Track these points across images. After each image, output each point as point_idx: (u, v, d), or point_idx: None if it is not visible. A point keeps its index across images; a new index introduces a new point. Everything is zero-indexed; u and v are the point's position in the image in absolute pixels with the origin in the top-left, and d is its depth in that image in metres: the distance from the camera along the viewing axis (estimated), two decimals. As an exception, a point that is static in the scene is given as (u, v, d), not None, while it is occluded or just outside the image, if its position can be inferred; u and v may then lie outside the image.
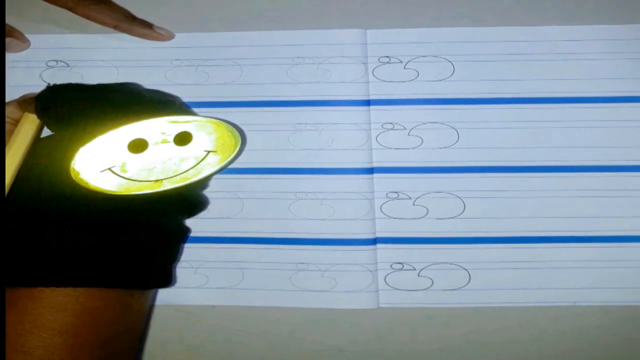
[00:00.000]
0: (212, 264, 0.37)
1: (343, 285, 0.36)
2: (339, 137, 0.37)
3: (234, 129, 0.32)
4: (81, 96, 0.32)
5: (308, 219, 0.37)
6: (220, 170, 0.32)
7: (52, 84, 0.33)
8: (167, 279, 0.33)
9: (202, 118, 0.31)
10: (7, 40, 0.38)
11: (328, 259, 0.36)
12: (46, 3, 0.37)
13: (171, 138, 0.31)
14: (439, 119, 0.38)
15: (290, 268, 0.36)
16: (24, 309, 0.28)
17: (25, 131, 0.32)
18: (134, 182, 0.30)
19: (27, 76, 0.39)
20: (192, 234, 0.37)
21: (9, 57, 0.39)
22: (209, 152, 0.31)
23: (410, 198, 0.37)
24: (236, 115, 0.38)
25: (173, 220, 0.34)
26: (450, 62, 0.38)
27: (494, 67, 0.38)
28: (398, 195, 0.37)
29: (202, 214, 0.37)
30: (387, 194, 0.37)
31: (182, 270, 0.36)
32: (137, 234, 0.30)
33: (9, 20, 0.39)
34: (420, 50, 0.38)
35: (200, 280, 0.36)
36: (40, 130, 0.33)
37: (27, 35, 0.39)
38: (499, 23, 0.39)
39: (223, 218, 0.37)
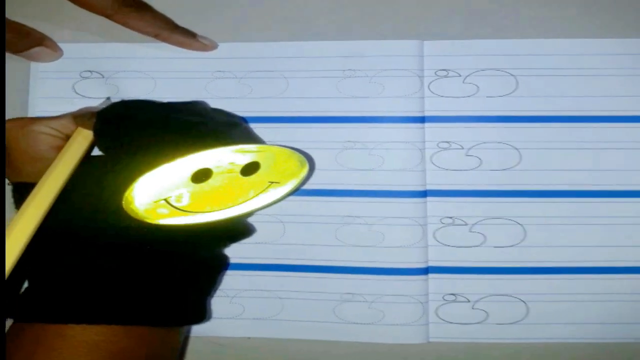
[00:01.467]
0: (248, 293, 0.37)
1: (391, 318, 0.36)
2: (391, 156, 0.37)
3: (305, 160, 0.31)
4: (147, 116, 0.32)
5: (355, 245, 0.37)
6: (278, 202, 0.32)
7: (121, 99, 0.33)
8: (203, 314, 0.33)
9: (274, 147, 0.30)
10: (38, 49, 0.38)
11: (376, 289, 0.36)
12: (81, 10, 0.35)
13: (239, 168, 0.30)
14: (500, 138, 0.37)
15: (335, 299, 0.36)
16: (52, 348, 0.27)
17: (77, 148, 0.32)
18: (187, 212, 0.29)
19: (59, 87, 0.40)
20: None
21: (40, 66, 0.39)
22: (272, 183, 0.30)
23: (466, 224, 0.35)
24: (280, 131, 0.38)
25: (214, 250, 0.34)
26: (513, 76, 0.37)
27: (560, 83, 0.38)
28: (453, 221, 0.36)
29: (241, 239, 0.37)
30: (441, 220, 0.36)
31: (217, 299, 0.37)
32: (176, 266, 0.30)
33: (41, 28, 0.38)
34: (480, 63, 0.38)
35: (236, 311, 0.36)
36: (91, 148, 0.33)
37: (60, 44, 0.39)
38: (566, 35, 0.38)
39: (262, 243, 0.37)
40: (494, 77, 0.37)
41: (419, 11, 0.39)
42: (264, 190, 0.31)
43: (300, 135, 0.38)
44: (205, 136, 0.31)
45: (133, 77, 0.39)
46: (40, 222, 0.28)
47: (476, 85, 0.37)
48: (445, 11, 0.39)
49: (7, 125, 0.32)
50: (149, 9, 0.37)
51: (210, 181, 0.30)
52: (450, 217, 0.36)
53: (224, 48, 0.39)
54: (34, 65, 0.39)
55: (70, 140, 0.32)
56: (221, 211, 0.30)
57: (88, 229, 0.30)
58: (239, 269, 0.37)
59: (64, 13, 0.40)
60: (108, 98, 0.38)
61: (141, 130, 0.31)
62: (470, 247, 0.36)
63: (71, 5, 0.35)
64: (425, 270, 0.36)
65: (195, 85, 0.39)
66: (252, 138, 0.36)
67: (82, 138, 0.32)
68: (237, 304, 0.36)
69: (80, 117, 0.33)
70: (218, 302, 0.36)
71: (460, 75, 0.38)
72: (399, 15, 0.39)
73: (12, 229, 0.27)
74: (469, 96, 0.37)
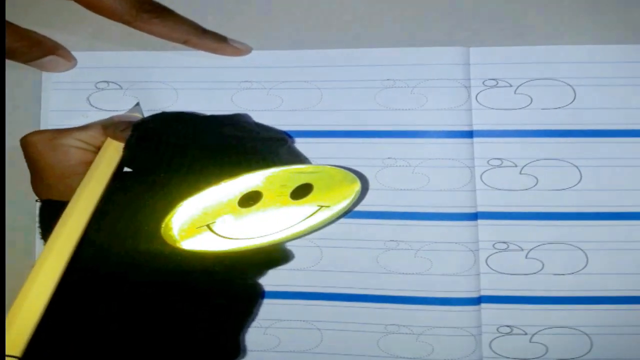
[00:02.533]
0: (284, 324, 0.34)
1: (441, 352, 0.33)
2: (436, 175, 0.34)
3: (358, 182, 0.28)
4: (189, 131, 0.29)
5: (400, 272, 0.33)
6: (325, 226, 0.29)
7: (161, 111, 0.31)
8: (238, 350, 0.31)
9: (330, 168, 0.28)
10: (50, 58, 0.35)
11: (423, 320, 0.33)
12: (97, 17, 0.32)
13: (289, 191, 0.27)
14: (557, 154, 0.34)
15: (379, 330, 0.33)
16: None
17: (108, 163, 0.29)
18: (230, 240, 0.27)
19: (72, 99, 0.36)
20: (262, 286, 0.34)
21: (53, 77, 0.37)
22: (322, 207, 0.28)
23: (522, 249, 0.32)
24: (314, 147, 0.35)
25: (251, 278, 0.31)
26: (570, 86, 0.33)
27: (623, 93, 0.34)
28: (507, 246, 0.32)
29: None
30: (494, 245, 0.33)
31: (250, 330, 0.34)
32: (211, 300, 0.28)
33: (54, 35, 0.35)
34: (533, 71, 0.34)
35: (271, 342, 0.34)
36: (121, 163, 0.30)
37: (74, 53, 0.37)
38: (628, 40, 0.34)
39: (298, 270, 0.34)
40: (548, 87, 0.34)
41: (464, 15, 0.36)
42: (312, 214, 0.28)
43: (335, 151, 0.34)
44: (253, 155, 0.28)
45: (153, 87, 0.36)
46: (72, 254, 0.26)
47: (529, 95, 0.34)
48: (493, 15, 0.35)
49: (33, 139, 0.30)
50: (171, 13, 0.34)
51: (257, 205, 0.27)
52: (504, 242, 0.33)
53: (251, 56, 0.36)
54: (46, 76, 0.36)
55: (100, 154, 0.30)
56: (265, 237, 0.28)
57: (120, 259, 0.27)
58: (273, 297, 0.34)
59: (78, 19, 0.37)
60: (137, 104, 0.36)
61: (183, 147, 0.28)
62: (527, 274, 0.33)
63: (86, 11, 0.32)
64: (478, 300, 0.33)
65: (220, 96, 0.35)
66: (299, 156, 0.33)
67: (113, 151, 0.30)
68: (271, 335, 0.33)
69: (110, 128, 0.30)
70: (251, 333, 0.34)
71: (511, 85, 0.34)
72: (442, 20, 0.36)
73: (42, 264, 0.25)
74: (521, 108, 0.34)
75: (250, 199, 0.27)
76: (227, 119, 0.31)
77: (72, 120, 0.34)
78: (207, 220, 0.26)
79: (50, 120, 0.36)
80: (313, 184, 0.27)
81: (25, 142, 0.30)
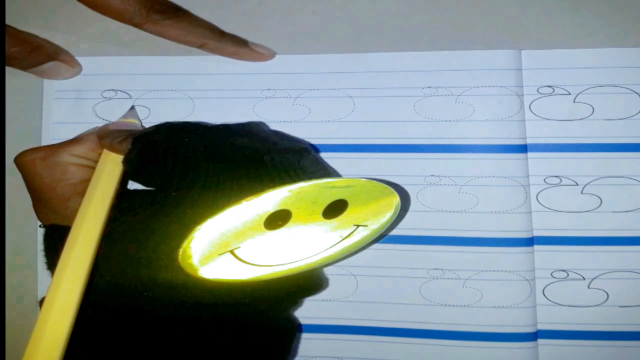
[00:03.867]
0: None
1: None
2: (486, 195, 0.30)
3: (396, 196, 0.24)
4: (202, 143, 0.25)
5: (445, 304, 0.30)
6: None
7: (165, 122, 0.27)
8: None
9: (367, 182, 0.24)
10: (52, 64, 0.32)
11: (474, 357, 0.29)
12: (104, 18, 0.29)
13: (322, 208, 0.23)
14: (624, 171, 0.30)
15: None
16: None
17: (109, 179, 0.26)
18: (258, 267, 0.23)
19: (77, 110, 0.33)
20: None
21: (55, 85, 0.33)
22: (358, 226, 0.24)
23: (583, 279, 0.29)
24: (345, 162, 0.31)
25: (285, 310, 0.28)
26: (637, 93, 0.30)
27: None
28: (567, 274, 0.29)
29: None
30: (552, 273, 0.30)
31: None
32: (243, 338, 0.25)
33: (56, 39, 0.31)
34: (595, 77, 0.30)
35: None
36: (121, 177, 0.27)
37: (78, 58, 0.33)
38: None
39: (330, 300, 0.31)
40: (612, 95, 0.30)
41: (515, 14, 0.31)
42: (349, 235, 0.24)
43: (369, 167, 0.31)
44: (274, 168, 0.25)
45: (167, 97, 0.32)
46: (83, 288, 0.23)
47: (590, 105, 0.30)
48: (548, 13, 0.31)
49: (26, 159, 0.27)
50: (186, 14, 0.30)
51: (286, 226, 0.23)
52: (564, 271, 0.29)
53: (275, 61, 0.32)
54: (47, 84, 0.33)
55: (98, 170, 0.26)
56: (297, 262, 0.24)
57: (135, 291, 0.24)
58: (304, 330, 0.30)
59: (83, 21, 0.33)
60: (132, 107, 0.32)
61: (195, 160, 0.25)
62: (590, 306, 0.29)
63: (91, 12, 0.29)
64: (534, 336, 0.29)
65: (241, 106, 0.32)
66: (327, 169, 0.29)
67: (112, 165, 0.26)
68: (303, 374, 0.31)
69: (107, 139, 0.27)
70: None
71: (569, 93, 0.30)
72: (490, 20, 0.31)
73: (51, 303, 0.22)
74: (581, 119, 0.30)
75: (277, 219, 0.23)
76: (241, 128, 0.27)
77: (77, 134, 0.30)
78: (230, 245, 0.22)
79: (53, 133, 0.32)
80: (348, 200, 0.23)
81: (19, 163, 0.27)
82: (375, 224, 0.25)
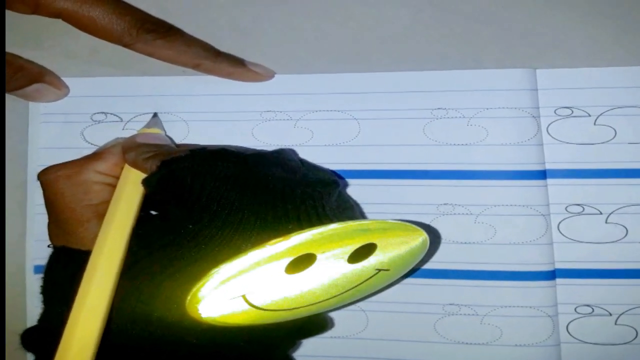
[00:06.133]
0: None
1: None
2: (504, 225, 0.27)
3: (426, 244, 0.22)
4: (233, 173, 0.22)
5: (462, 342, 0.27)
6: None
7: (188, 149, 0.24)
8: None
9: (398, 224, 0.21)
10: (37, 86, 0.29)
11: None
12: (93, 37, 0.26)
13: (349, 253, 0.20)
14: None
15: None
16: None
17: (130, 201, 0.24)
18: (268, 312, 0.20)
19: (64, 134, 0.30)
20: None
21: (41, 108, 0.30)
22: (380, 270, 0.21)
23: (610, 314, 0.26)
24: (350, 190, 0.28)
25: (282, 352, 0.25)
26: None
27: None
28: (592, 310, 0.26)
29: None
30: (576, 309, 0.27)
31: None
32: None
33: (42, 60, 0.29)
34: (616, 98, 0.28)
35: None
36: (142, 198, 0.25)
37: (65, 79, 0.30)
38: None
39: (338, 337, 0.28)
40: (636, 117, 0.27)
41: (527, 30, 0.29)
42: (368, 278, 0.21)
43: (378, 194, 0.28)
44: (302, 203, 0.22)
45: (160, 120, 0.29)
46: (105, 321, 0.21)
47: (612, 127, 0.27)
48: (563, 29, 0.28)
49: (50, 177, 0.24)
50: (179, 33, 0.28)
51: (308, 270, 0.20)
52: (589, 306, 0.26)
53: (274, 82, 0.29)
54: (33, 107, 0.30)
55: (119, 190, 0.24)
56: (310, 307, 0.21)
57: (145, 332, 0.22)
58: None
59: (70, 40, 0.30)
60: (155, 115, 0.29)
61: (221, 193, 0.22)
62: (617, 344, 0.26)
63: (78, 32, 0.26)
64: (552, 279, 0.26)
65: (239, 129, 0.29)
66: (352, 206, 0.26)
67: (133, 185, 0.24)
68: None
69: (131, 152, 0.24)
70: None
71: (589, 115, 0.27)
72: (503, 36, 0.29)
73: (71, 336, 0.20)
74: (603, 142, 0.27)
75: (299, 263, 0.20)
76: (275, 158, 0.24)
77: (64, 159, 0.27)
78: (243, 290, 0.19)
79: (40, 159, 0.30)
80: (377, 243, 0.21)
81: (43, 181, 0.25)
82: (399, 269, 0.22)
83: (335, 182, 0.24)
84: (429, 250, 0.26)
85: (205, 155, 0.23)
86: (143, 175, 0.24)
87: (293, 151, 0.28)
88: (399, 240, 0.21)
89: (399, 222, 0.21)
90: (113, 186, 0.25)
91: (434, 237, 0.27)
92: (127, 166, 0.25)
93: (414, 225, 0.21)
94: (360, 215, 0.28)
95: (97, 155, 0.26)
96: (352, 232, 0.20)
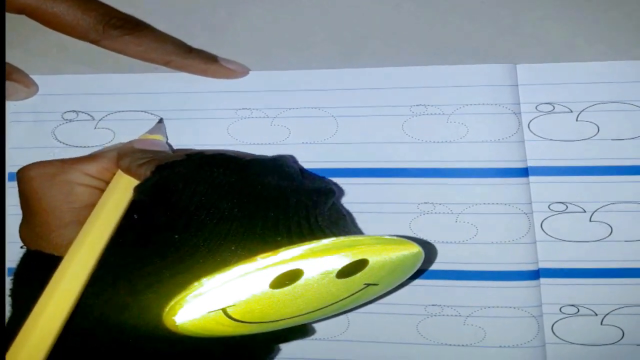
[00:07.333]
0: None
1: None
2: (486, 224, 0.26)
3: (420, 252, 0.20)
4: (227, 179, 0.21)
5: (445, 344, 0.26)
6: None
7: (185, 154, 0.23)
8: None
9: (394, 239, 0.20)
10: (6, 84, 0.28)
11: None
12: (61, 35, 0.25)
13: (337, 269, 0.19)
14: (636, 196, 0.26)
15: None
16: None
17: (116, 206, 0.22)
18: (247, 324, 0.19)
19: (34, 133, 0.29)
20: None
21: (10, 107, 0.29)
22: (369, 285, 0.20)
23: (595, 314, 0.25)
24: None
25: (264, 358, 0.24)
26: None
27: None
28: (578, 310, 0.26)
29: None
30: (561, 309, 0.26)
31: None
32: None
33: (10, 57, 0.28)
34: (598, 93, 0.27)
35: None
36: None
37: (35, 77, 0.29)
38: None
39: (319, 339, 0.27)
40: (619, 113, 0.26)
41: (508, 25, 0.28)
42: (355, 292, 0.20)
43: (358, 194, 0.27)
44: (295, 214, 0.20)
45: (132, 117, 0.28)
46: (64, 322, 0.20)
47: (595, 123, 0.26)
48: (543, 24, 0.27)
49: (32, 173, 0.23)
50: (148, 29, 0.27)
51: (294, 286, 0.19)
52: (574, 305, 0.25)
53: (249, 78, 0.28)
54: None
55: (106, 195, 0.23)
56: (291, 319, 0.20)
57: (118, 335, 0.21)
58: None
59: (39, 37, 0.29)
60: (160, 120, 0.28)
61: (215, 200, 0.20)
62: (604, 345, 0.25)
63: (47, 29, 0.25)
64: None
65: (213, 127, 0.28)
66: (344, 217, 0.24)
67: (123, 191, 0.22)
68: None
69: (126, 158, 0.23)
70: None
71: (571, 111, 0.26)
72: (481, 32, 0.28)
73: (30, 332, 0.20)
74: (586, 139, 0.26)
75: (285, 277, 0.18)
76: (273, 165, 0.23)
77: (35, 160, 0.25)
78: (224, 303, 0.18)
79: (10, 159, 0.28)
80: (369, 259, 0.19)
81: (22, 177, 0.23)
82: (390, 282, 0.21)
83: (331, 191, 0.23)
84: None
85: (201, 161, 0.22)
86: (134, 183, 0.23)
87: (293, 158, 0.27)
88: (392, 256, 0.20)
89: (394, 237, 0.20)
90: (98, 190, 0.24)
91: (413, 235, 0.26)
92: (119, 172, 0.24)
93: (408, 240, 0.20)
94: (353, 225, 0.26)
95: (87, 157, 0.24)
96: (344, 249, 0.18)
